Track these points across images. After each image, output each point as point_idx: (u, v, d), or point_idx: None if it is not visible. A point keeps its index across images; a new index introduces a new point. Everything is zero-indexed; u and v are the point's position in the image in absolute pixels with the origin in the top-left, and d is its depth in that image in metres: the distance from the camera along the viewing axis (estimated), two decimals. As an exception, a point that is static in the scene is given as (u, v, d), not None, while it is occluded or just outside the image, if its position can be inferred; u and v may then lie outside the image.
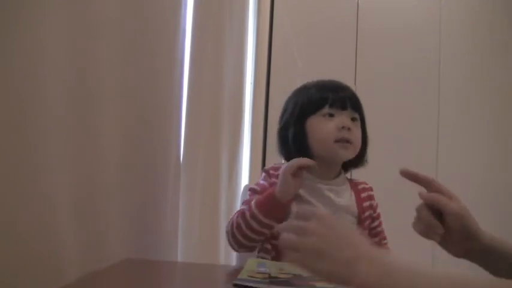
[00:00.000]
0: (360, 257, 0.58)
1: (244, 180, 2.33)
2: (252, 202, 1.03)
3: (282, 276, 0.86)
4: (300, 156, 1.08)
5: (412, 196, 0.82)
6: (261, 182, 1.12)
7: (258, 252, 1.11)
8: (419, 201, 0.81)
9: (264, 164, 2.51)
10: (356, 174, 1.23)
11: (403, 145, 2.59)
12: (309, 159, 1.04)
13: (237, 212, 1.07)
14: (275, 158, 1.24)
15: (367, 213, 1.13)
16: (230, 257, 1.77)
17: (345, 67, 2.64)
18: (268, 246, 1.09)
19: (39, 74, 0.72)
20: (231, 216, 1.08)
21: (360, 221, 1.11)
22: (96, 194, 0.90)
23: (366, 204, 1.14)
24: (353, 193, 1.14)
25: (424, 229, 0.80)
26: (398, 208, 2.50)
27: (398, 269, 0.57)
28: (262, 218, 1.00)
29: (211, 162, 1.71)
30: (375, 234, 1.16)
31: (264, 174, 1.14)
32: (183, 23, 1.27)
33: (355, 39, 2.68)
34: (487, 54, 2.67)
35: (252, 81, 2.56)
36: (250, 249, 1.07)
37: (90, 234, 0.88)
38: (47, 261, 0.74)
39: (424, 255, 2.01)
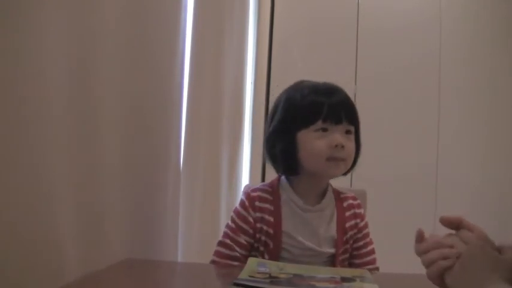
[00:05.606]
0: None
1: (245, 180, 2.33)
2: None
3: (282, 276, 0.86)
4: (287, 168, 1.04)
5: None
6: (240, 210, 1.06)
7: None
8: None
9: (264, 164, 2.51)
10: (356, 175, 1.23)
11: (404, 145, 2.59)
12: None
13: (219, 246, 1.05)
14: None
15: (349, 234, 1.08)
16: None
17: (345, 67, 2.65)
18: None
19: (39, 74, 0.72)
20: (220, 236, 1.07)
21: (337, 245, 1.05)
22: (96, 194, 0.90)
23: (350, 224, 1.09)
24: (336, 214, 1.08)
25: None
26: (398, 207, 2.50)
27: None
28: None
29: (211, 162, 1.71)
30: (358, 256, 1.09)
31: (246, 200, 1.06)
32: (183, 23, 1.27)
33: (355, 39, 2.68)
34: (487, 54, 2.67)
35: (252, 82, 2.56)
36: None
37: (90, 234, 0.88)
38: (47, 261, 0.74)
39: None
